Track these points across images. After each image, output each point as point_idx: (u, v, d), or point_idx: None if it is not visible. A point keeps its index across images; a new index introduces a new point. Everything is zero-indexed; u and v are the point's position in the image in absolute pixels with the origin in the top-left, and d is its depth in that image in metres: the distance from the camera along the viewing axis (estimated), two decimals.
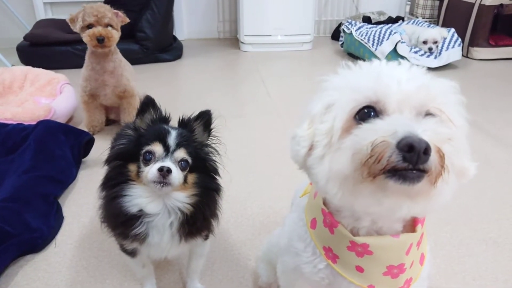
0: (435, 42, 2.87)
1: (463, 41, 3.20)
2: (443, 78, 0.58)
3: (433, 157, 0.48)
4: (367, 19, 3.53)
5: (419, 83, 0.54)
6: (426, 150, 0.47)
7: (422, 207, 0.52)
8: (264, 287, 1.04)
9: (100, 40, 1.71)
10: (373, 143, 0.48)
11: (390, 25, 3.31)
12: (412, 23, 3.37)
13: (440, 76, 0.58)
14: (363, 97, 0.54)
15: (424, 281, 0.66)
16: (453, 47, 2.86)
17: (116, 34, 1.77)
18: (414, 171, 0.48)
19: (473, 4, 3.08)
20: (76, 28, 1.77)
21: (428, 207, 0.53)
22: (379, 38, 2.86)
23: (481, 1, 3.02)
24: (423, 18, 3.70)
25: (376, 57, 2.84)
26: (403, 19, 3.65)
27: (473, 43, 3.12)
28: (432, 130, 0.49)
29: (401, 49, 2.77)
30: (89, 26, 1.73)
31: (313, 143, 0.58)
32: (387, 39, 2.81)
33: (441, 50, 2.86)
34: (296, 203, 0.78)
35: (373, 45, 2.88)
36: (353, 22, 3.20)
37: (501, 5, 2.95)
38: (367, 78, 0.56)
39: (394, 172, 0.48)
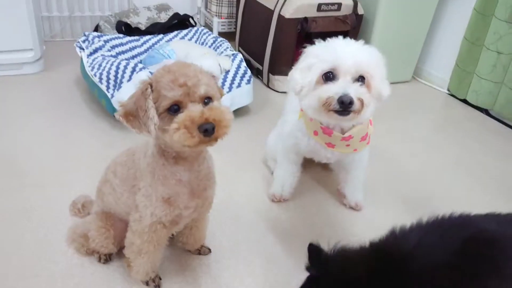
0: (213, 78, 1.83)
1: (262, 64, 2.23)
2: (374, 52, 1.07)
3: (356, 104, 0.97)
4: (124, 26, 2.29)
5: (356, 59, 0.99)
6: (351, 103, 0.96)
7: (354, 121, 1.06)
8: (277, 197, 1.38)
9: (209, 131, 0.72)
10: (327, 97, 0.98)
11: (154, 42, 2.15)
12: (192, 35, 2.26)
13: None
14: (327, 65, 1.00)
15: (366, 153, 1.28)
16: (239, 85, 1.86)
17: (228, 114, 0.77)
18: (345, 111, 0.99)
19: (272, 12, 2.10)
20: (147, 126, 0.74)
21: (357, 121, 1.06)
22: (116, 77, 1.68)
23: (280, 11, 2.05)
24: (219, 17, 2.64)
25: (114, 108, 1.67)
26: (190, 20, 2.52)
27: (274, 70, 2.18)
28: (356, 90, 0.98)
29: None
30: (174, 107, 0.73)
31: (302, 86, 1.04)
32: (128, 80, 1.65)
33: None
34: (290, 118, 1.28)
35: (108, 88, 1.69)
36: (92, 36, 1.95)
37: (306, 19, 2.03)
38: (330, 53, 1.01)
39: (336, 111, 0.99)
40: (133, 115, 0.74)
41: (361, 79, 1.01)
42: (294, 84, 1.06)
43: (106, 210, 1.05)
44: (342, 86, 0.98)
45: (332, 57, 1.00)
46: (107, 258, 1.09)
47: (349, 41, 1.06)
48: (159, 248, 0.95)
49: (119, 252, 1.07)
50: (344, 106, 0.97)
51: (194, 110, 0.71)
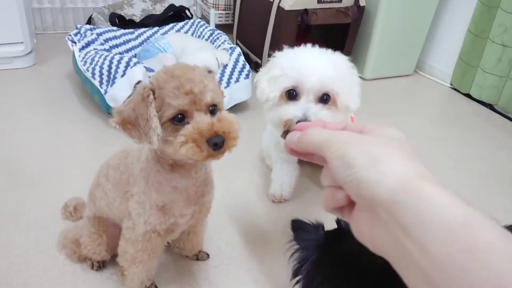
0: (209, 73, 1.77)
1: (261, 57, 2.17)
2: (342, 64, 0.99)
3: None
4: (118, 18, 2.21)
5: (320, 77, 0.92)
6: None
7: None
8: (277, 197, 1.31)
9: (219, 144, 0.65)
10: (286, 120, 0.93)
11: (149, 35, 2.08)
12: (188, 27, 2.19)
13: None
14: (289, 82, 0.93)
15: None
16: (237, 80, 1.79)
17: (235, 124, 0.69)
18: None
19: (271, 4, 2.03)
20: (148, 137, 0.66)
21: None
22: (109, 72, 1.61)
23: (279, 2, 1.98)
24: (216, 8, 2.57)
25: (107, 105, 1.61)
26: (187, 12, 2.45)
27: None
28: (316, 113, 0.91)
29: None
30: (179, 116, 0.66)
31: (267, 97, 0.98)
32: (122, 76, 1.59)
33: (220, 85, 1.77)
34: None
35: (101, 84, 1.63)
36: (85, 29, 1.88)
37: (306, 11, 1.96)
38: (293, 68, 0.93)
39: None
40: (132, 124, 0.66)
41: (326, 96, 0.96)
42: (260, 93, 1.01)
43: (98, 215, 1.00)
44: (301, 109, 0.93)
45: (295, 74, 0.94)
46: (100, 265, 1.04)
47: (315, 54, 0.99)
48: (154, 256, 0.90)
49: (113, 259, 1.01)
50: None
51: (202, 122, 0.64)
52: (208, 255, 1.10)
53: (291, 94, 0.95)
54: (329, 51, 1.01)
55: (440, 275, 0.27)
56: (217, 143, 0.63)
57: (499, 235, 0.27)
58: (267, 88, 0.98)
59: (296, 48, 1.03)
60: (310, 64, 0.94)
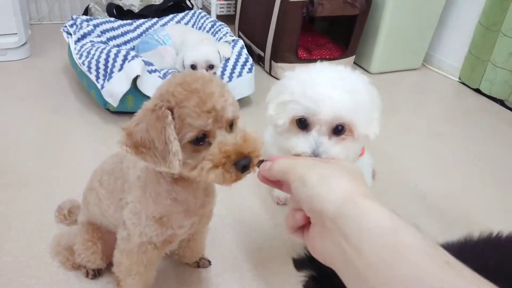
0: (211, 67, 1.70)
1: (264, 50, 2.09)
2: (361, 89, 0.85)
3: None
4: (116, 9, 2.13)
5: (335, 107, 0.80)
6: None
7: None
8: (282, 200, 1.25)
9: (245, 168, 0.57)
10: (294, 154, 0.82)
11: (148, 26, 2.00)
12: (189, 19, 2.11)
13: None
14: (300, 110, 0.82)
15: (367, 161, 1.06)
16: (240, 74, 1.72)
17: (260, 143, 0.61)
18: None
19: None
20: (168, 162, 0.57)
21: None
22: (106, 66, 1.54)
23: None
24: None
25: (105, 100, 1.54)
26: (187, 2, 2.36)
27: (276, 56, 2.04)
28: (327, 150, 0.81)
29: (147, 88, 1.52)
30: (203, 137, 0.58)
31: (276, 124, 0.87)
32: (119, 70, 1.51)
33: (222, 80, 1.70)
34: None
35: (97, 78, 1.56)
36: (81, 20, 1.80)
37: (311, 2, 1.88)
38: (305, 94, 0.81)
39: None
40: (146, 147, 0.57)
41: (340, 127, 0.84)
42: (269, 119, 0.91)
43: (92, 221, 0.93)
44: (311, 143, 0.82)
45: (306, 102, 0.82)
46: (95, 274, 0.98)
47: (330, 78, 0.84)
48: (151, 268, 0.84)
49: (109, 267, 0.95)
50: None
51: (228, 143, 0.56)
52: (209, 262, 1.04)
53: (302, 123, 0.84)
54: (347, 70, 0.88)
55: (372, 273, 0.33)
56: (245, 166, 0.56)
57: (417, 239, 0.33)
58: (275, 115, 0.88)
59: (309, 67, 0.89)
60: (324, 92, 0.81)
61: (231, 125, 0.60)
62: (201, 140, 0.57)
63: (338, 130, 0.83)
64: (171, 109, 0.56)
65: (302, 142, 0.83)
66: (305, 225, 0.44)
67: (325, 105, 0.80)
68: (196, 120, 0.55)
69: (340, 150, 0.83)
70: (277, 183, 0.49)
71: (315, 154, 0.81)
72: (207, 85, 0.57)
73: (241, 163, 0.55)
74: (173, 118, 0.56)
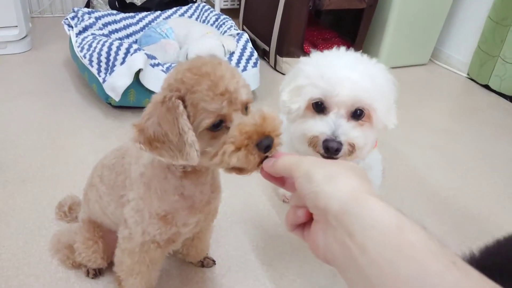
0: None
1: (269, 44, 2.05)
2: (380, 74, 0.82)
3: (344, 148, 0.78)
4: (118, 1, 2.09)
5: (354, 89, 0.77)
6: (337, 150, 0.77)
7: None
8: (288, 197, 1.19)
9: (268, 148, 0.52)
10: (312, 136, 0.79)
11: (151, 19, 1.96)
12: (192, 12, 2.07)
13: None
14: (317, 93, 0.79)
15: (377, 156, 1.02)
16: (245, 68, 1.68)
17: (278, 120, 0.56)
18: (331, 157, 0.78)
19: None
20: (184, 155, 0.54)
21: (351, 160, 0.83)
22: (108, 59, 1.50)
23: None
24: None
25: (106, 94, 1.51)
26: None
27: (281, 51, 2.00)
28: (346, 133, 0.77)
29: (149, 82, 1.48)
30: (219, 122, 0.54)
31: (290, 109, 0.83)
32: (121, 63, 1.48)
33: None
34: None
35: (99, 72, 1.52)
36: (82, 12, 1.76)
37: None
38: (323, 77, 0.78)
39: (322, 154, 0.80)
40: (161, 141, 0.54)
41: (359, 111, 0.80)
42: (282, 105, 0.88)
43: (93, 218, 0.90)
44: (330, 125, 0.78)
45: (323, 84, 0.78)
46: (96, 273, 0.94)
47: (349, 61, 0.82)
48: (154, 268, 0.81)
49: (110, 266, 0.92)
50: (330, 152, 0.78)
51: (247, 124, 0.52)
52: (214, 261, 1.01)
53: (319, 107, 0.81)
54: (366, 57, 0.85)
55: (375, 272, 0.32)
56: (268, 145, 0.52)
57: (422, 237, 0.32)
58: (288, 100, 0.84)
59: (326, 52, 0.87)
60: (342, 73, 0.78)
61: (246, 109, 0.56)
62: (218, 126, 0.53)
63: (356, 114, 0.80)
64: (182, 98, 0.53)
65: (319, 124, 0.79)
66: (305, 223, 0.44)
67: (344, 87, 0.77)
68: (210, 104, 0.52)
69: (359, 134, 0.79)
70: (280, 180, 0.49)
71: (334, 136, 0.77)
72: (217, 68, 0.54)
73: (264, 143, 0.51)
74: (185, 106, 0.53)
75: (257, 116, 0.53)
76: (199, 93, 0.52)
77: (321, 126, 0.79)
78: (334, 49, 0.87)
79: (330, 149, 0.77)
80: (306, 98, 0.81)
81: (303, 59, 0.88)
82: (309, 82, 0.81)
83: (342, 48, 0.87)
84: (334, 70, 0.79)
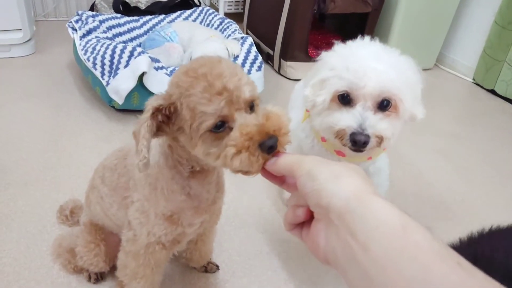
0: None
1: (273, 48, 2.04)
2: (407, 65, 0.82)
3: (372, 141, 0.77)
4: (122, 5, 2.09)
5: (381, 80, 0.75)
6: (365, 143, 0.76)
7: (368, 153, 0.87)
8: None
9: (272, 148, 0.49)
10: (338, 129, 0.78)
11: (155, 23, 1.96)
12: (197, 16, 2.07)
13: None
14: (343, 85, 0.77)
15: (384, 160, 1.03)
16: (249, 72, 1.67)
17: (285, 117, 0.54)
18: (359, 150, 0.79)
19: None
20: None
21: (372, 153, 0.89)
22: (112, 62, 1.50)
23: None
24: None
25: (110, 98, 1.50)
26: (194, 0, 2.32)
27: (286, 55, 1.99)
28: (374, 125, 0.76)
29: (153, 85, 1.47)
30: (218, 123, 0.52)
31: (314, 103, 0.82)
32: (125, 66, 1.47)
33: None
34: (293, 115, 1.05)
35: (102, 75, 1.51)
36: (86, 16, 1.76)
37: None
38: (349, 68, 0.77)
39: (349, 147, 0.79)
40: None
41: (386, 102, 0.79)
42: (305, 100, 0.87)
43: (95, 221, 0.89)
44: (357, 118, 0.77)
45: (350, 75, 0.77)
46: (98, 277, 0.93)
47: (374, 52, 0.81)
48: (158, 270, 0.79)
49: (112, 270, 0.91)
50: (358, 145, 0.78)
51: (249, 124, 0.50)
52: (217, 266, 0.99)
53: (345, 99, 0.79)
54: (391, 49, 0.84)
55: (377, 272, 0.32)
56: (272, 146, 0.49)
57: (427, 238, 0.32)
58: (312, 96, 0.83)
59: (350, 44, 0.85)
60: (368, 64, 0.77)
61: (251, 107, 0.54)
62: (220, 127, 0.51)
63: (383, 105, 0.79)
64: (173, 103, 0.53)
65: (346, 117, 0.78)
66: (304, 223, 0.43)
67: (370, 78, 0.76)
68: (208, 106, 0.50)
69: (387, 126, 0.78)
70: (280, 179, 0.49)
71: (361, 129, 0.76)
72: (215, 67, 0.52)
73: (267, 144, 0.49)
74: (175, 111, 0.53)
75: (260, 115, 0.51)
76: (194, 96, 0.51)
77: (347, 119, 0.78)
78: (358, 39, 0.86)
79: (358, 142, 0.77)
80: (331, 90, 0.80)
81: (324, 53, 0.87)
82: (334, 74, 0.80)
83: (367, 38, 0.86)
84: (359, 61, 0.78)
